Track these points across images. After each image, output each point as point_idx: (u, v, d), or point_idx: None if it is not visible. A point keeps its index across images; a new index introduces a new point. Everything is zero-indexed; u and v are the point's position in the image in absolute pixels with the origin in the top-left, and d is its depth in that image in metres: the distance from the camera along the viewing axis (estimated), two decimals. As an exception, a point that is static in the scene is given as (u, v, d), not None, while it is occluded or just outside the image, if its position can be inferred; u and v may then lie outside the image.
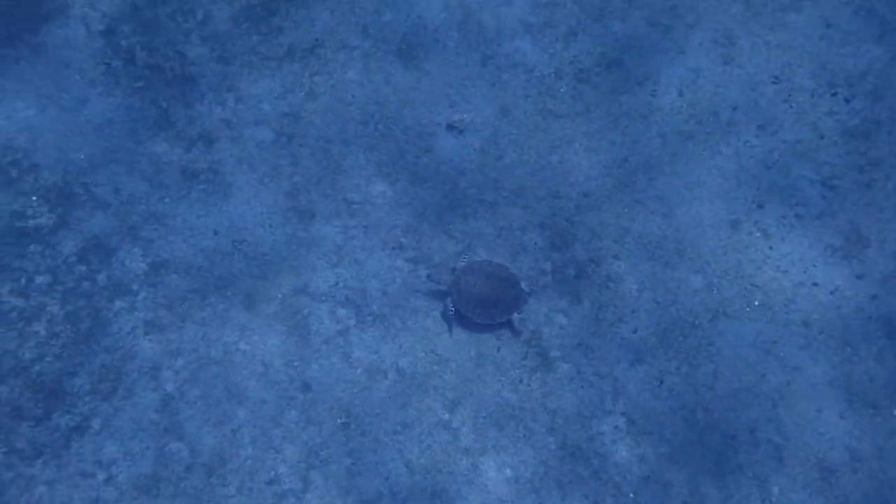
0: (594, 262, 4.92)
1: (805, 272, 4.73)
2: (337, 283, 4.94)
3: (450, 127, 5.10)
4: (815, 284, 4.70)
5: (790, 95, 4.92)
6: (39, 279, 4.69)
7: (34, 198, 4.77)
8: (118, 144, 4.93)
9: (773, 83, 4.93)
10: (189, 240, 4.92)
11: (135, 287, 4.81)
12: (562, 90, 5.07)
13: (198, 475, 4.52)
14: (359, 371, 4.82)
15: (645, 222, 4.93)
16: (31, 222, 4.74)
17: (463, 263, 4.90)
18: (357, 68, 5.14)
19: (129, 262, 4.82)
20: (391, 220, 5.03)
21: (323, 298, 4.92)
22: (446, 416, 4.75)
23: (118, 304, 4.76)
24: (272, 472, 4.59)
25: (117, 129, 4.93)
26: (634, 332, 4.80)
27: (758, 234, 4.80)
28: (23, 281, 4.65)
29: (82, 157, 4.86)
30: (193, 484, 4.51)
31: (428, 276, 4.91)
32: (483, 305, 4.79)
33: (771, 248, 4.79)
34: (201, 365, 4.74)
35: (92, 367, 4.63)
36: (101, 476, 4.45)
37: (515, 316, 4.90)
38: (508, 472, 4.65)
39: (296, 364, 4.80)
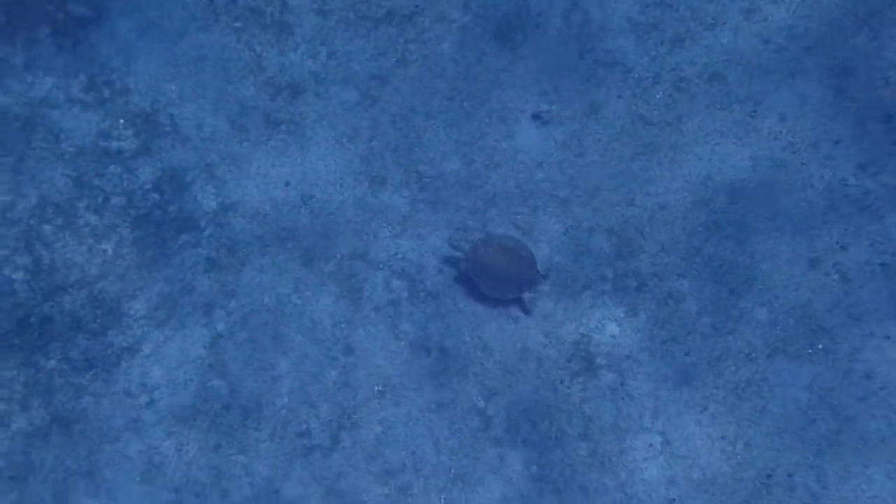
0: (658, 276, 4.79)
1: (879, 323, 4.51)
2: (396, 254, 4.94)
3: (535, 116, 4.99)
4: (888, 338, 4.48)
5: (898, 138, 4.65)
6: (115, 200, 4.83)
7: (121, 120, 4.89)
8: (208, 81, 5.00)
9: (885, 122, 4.65)
10: (260, 186, 4.99)
11: (202, 224, 4.91)
12: (657, 96, 4.90)
13: (234, 415, 4.64)
14: (403, 344, 4.84)
15: (718, 245, 4.75)
16: (114, 144, 4.87)
17: (483, 235, 4.87)
18: (452, 42, 5.07)
19: (201, 199, 4.92)
20: (460, 199, 4.98)
21: (380, 266, 4.93)
22: (482, 403, 4.73)
23: (184, 237, 4.87)
24: (304, 426, 4.67)
25: (209, 67, 5.00)
26: (687, 354, 4.67)
27: (836, 277, 4.58)
28: (100, 199, 4.79)
29: (173, 88, 4.95)
30: (228, 422, 4.63)
31: (448, 241, 4.86)
32: (495, 278, 4.73)
33: (846, 293, 4.57)
34: (253, 310, 4.83)
35: (150, 294, 4.77)
36: (143, 399, 4.61)
37: (527, 295, 4.82)
38: (534, 468, 4.62)
39: (343, 326, 4.84)
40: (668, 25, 4.93)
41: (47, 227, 4.66)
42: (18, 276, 4.55)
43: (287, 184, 5.00)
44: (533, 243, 4.91)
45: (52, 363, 4.48)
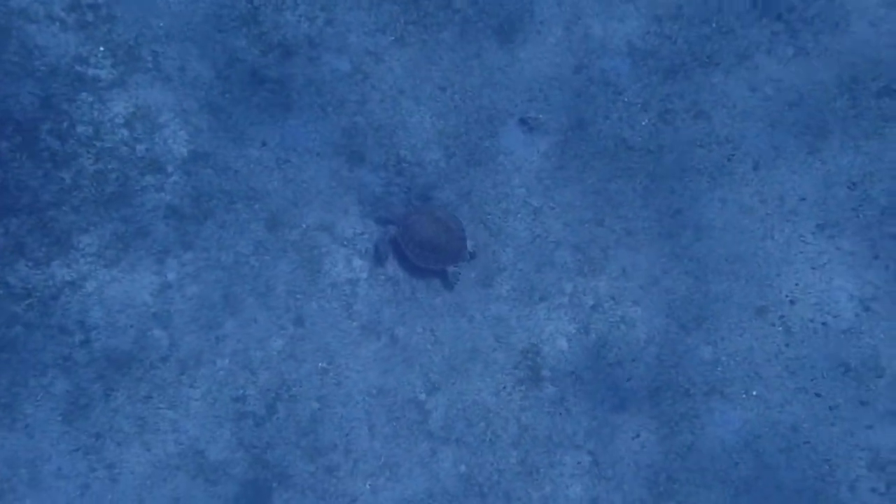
0: (613, 298, 4.87)
1: (812, 381, 4.69)
2: (363, 233, 4.89)
3: (522, 121, 5.00)
4: (819, 395, 4.66)
5: (860, 205, 4.83)
6: (81, 129, 4.63)
7: (101, 48, 4.69)
8: (199, 25, 4.83)
9: (849, 188, 4.83)
10: (236, 140, 4.86)
11: (170, 169, 4.75)
12: (643, 123, 4.97)
13: (170, 369, 4.52)
14: (355, 325, 4.79)
15: (676, 279, 4.86)
16: (90, 71, 4.66)
17: (418, 203, 4.93)
18: (453, 31, 5.03)
19: (172, 143, 4.76)
20: (435, 190, 4.96)
21: (344, 243, 4.88)
22: (423, 396, 4.74)
23: (148, 179, 4.71)
24: (241, 391, 4.59)
25: (203, 9, 4.83)
26: (628, 380, 4.76)
27: (780, 328, 4.74)
28: (65, 125, 4.59)
29: (161, 24, 4.76)
30: (163, 375, 4.51)
31: (384, 205, 4.92)
32: (423, 248, 4.78)
33: (787, 345, 4.74)
34: (208, 265, 4.71)
35: (103, 232, 4.60)
36: (78, 337, 4.44)
37: (451, 268, 4.88)
38: (463, 468, 4.66)
39: (298, 296, 4.77)
40: (665, 56, 5.00)
41: (4, 144, 4.43)
42: (-34, 189, 4.33)
43: (264, 144, 4.88)
44: (500, 246, 4.94)
45: (-13, 285, 4.29)
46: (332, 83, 4.99)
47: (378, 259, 4.88)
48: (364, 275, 4.86)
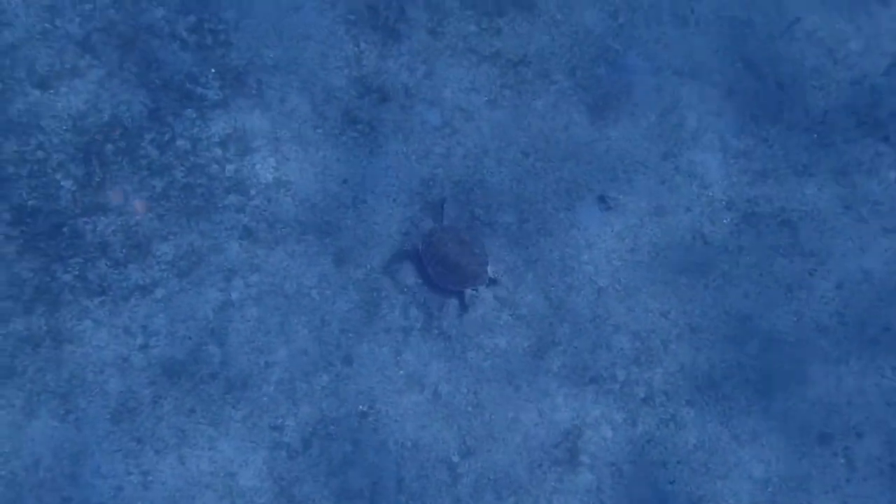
0: (667, 395, 4.71)
1: (868, 521, 4.39)
2: (424, 284, 4.92)
3: (601, 198, 4.97)
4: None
5: (947, 345, 4.55)
6: (180, 142, 4.87)
7: (213, 70, 4.95)
8: (305, 60, 5.04)
9: (937, 326, 4.56)
10: (319, 175, 5.01)
11: (252, 192, 4.93)
12: (724, 221, 4.85)
13: (217, 386, 4.63)
14: (401, 373, 4.80)
15: (736, 387, 4.67)
16: (199, 90, 4.92)
17: (446, 222, 4.91)
18: (546, 101, 5.07)
19: (260, 168, 4.95)
20: (503, 252, 4.96)
21: (405, 290, 4.92)
22: (456, 458, 4.67)
23: (232, 198, 4.90)
24: (280, 420, 4.65)
25: (312, 47, 5.04)
26: (671, 482, 4.58)
27: (842, 461, 4.47)
28: (167, 137, 4.84)
29: (271, 56, 5.00)
30: (210, 391, 4.62)
31: (413, 218, 4.92)
32: (443, 265, 4.76)
33: (848, 480, 4.45)
34: (271, 291, 4.83)
35: (181, 242, 4.79)
36: (139, 340, 4.61)
37: (469, 291, 4.84)
38: (484, 540, 4.55)
39: (350, 335, 4.82)
40: (758, 157, 4.89)
41: (109, 147, 4.71)
42: (67, 183, 4.60)
43: (345, 181, 5.01)
44: (557, 319, 4.87)
45: (68, 277, 4.51)
46: (421, 133, 5.10)
47: (395, 263, 4.88)
48: (418, 325, 4.88)
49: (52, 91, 4.63)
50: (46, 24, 4.61)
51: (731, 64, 4.91)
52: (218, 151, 4.94)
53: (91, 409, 4.41)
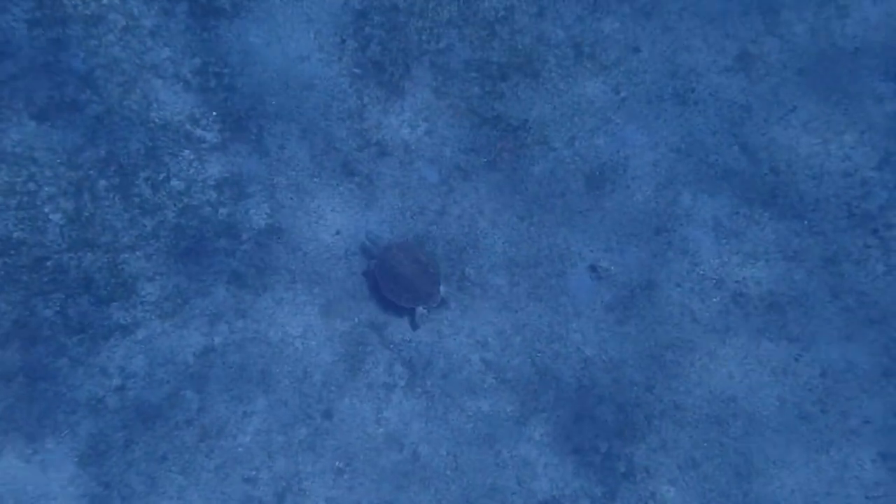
0: (648, 472, 4.67)
1: None
2: (410, 341, 4.87)
3: (592, 268, 4.98)
4: None
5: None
6: (175, 182, 4.83)
7: (214, 113, 4.94)
8: (307, 110, 5.06)
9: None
10: (312, 224, 4.98)
11: (244, 237, 4.89)
12: (714, 300, 4.88)
13: (192, 433, 4.51)
14: (381, 431, 4.72)
15: (717, 468, 4.64)
16: (198, 132, 4.91)
17: (401, 239, 4.98)
18: (544, 167, 5.11)
19: (253, 214, 4.91)
20: (491, 315, 4.94)
21: (391, 346, 4.86)
22: (431, 523, 4.58)
23: (222, 242, 4.85)
24: (254, 472, 4.53)
25: (315, 97, 5.06)
26: (647, 562, 4.51)
27: (819, 551, 4.45)
28: (161, 176, 4.80)
29: (274, 103, 5.01)
30: (184, 438, 4.50)
31: (367, 235, 4.94)
32: (396, 282, 4.81)
33: (822, 568, 4.42)
34: (255, 338, 4.76)
35: (167, 284, 4.72)
36: (116, 381, 4.50)
37: (420, 309, 4.90)
38: None
39: (332, 389, 4.75)
40: (749, 239, 4.94)
41: (102, 183, 4.66)
42: (56, 217, 4.52)
43: (337, 232, 4.99)
44: (542, 386, 4.83)
45: (48, 313, 4.41)
46: (418, 189, 5.11)
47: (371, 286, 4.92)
48: (402, 382, 4.81)
49: (49, 123, 4.59)
50: (50, 57, 4.59)
51: (727, 146, 5.00)
52: (212, 194, 4.91)
53: (59, 450, 4.28)
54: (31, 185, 4.51)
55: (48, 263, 4.48)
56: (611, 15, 5.08)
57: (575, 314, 4.96)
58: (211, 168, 4.91)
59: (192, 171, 4.87)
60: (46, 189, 4.55)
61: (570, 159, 5.14)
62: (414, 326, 4.90)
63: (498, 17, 5.14)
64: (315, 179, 5.04)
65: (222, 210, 4.89)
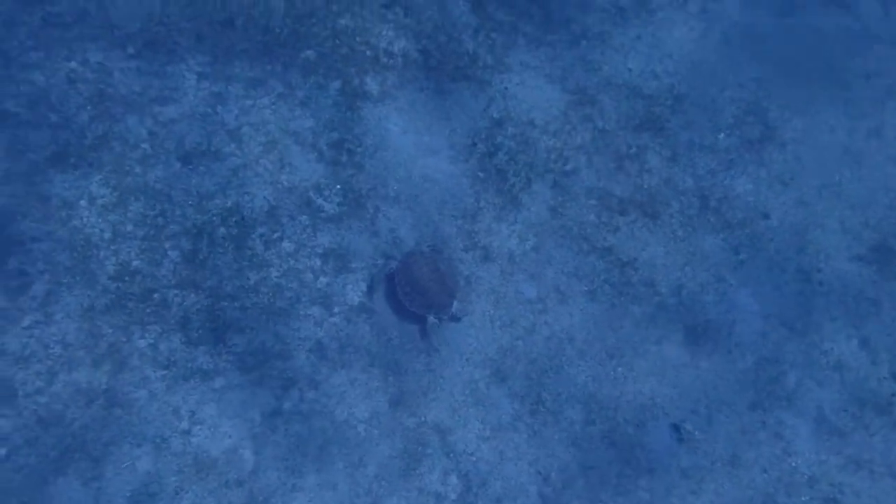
0: None
1: None
2: (472, 454, 4.75)
3: (675, 427, 4.74)
4: None
5: None
6: (286, 244, 5.02)
7: (338, 186, 5.14)
8: (424, 201, 5.18)
9: None
10: (401, 312, 5.02)
11: (336, 310, 4.98)
12: (803, 499, 4.48)
13: (239, 495, 4.51)
14: (421, 542, 4.57)
15: None
16: (319, 201, 5.11)
17: (428, 247, 5.02)
18: (645, 309, 4.97)
19: (350, 289, 4.98)
20: (557, 446, 4.75)
21: (450, 454, 4.75)
22: None
23: (314, 310, 4.95)
24: (287, 552, 4.47)
25: (434, 190, 5.18)
26: None
27: None
28: (276, 236, 5.00)
29: (395, 188, 5.15)
30: (230, 498, 4.50)
31: (387, 259, 5.01)
32: (412, 286, 4.78)
33: None
34: (322, 412, 4.77)
35: (253, 338, 4.83)
36: (184, 425, 4.56)
37: (431, 318, 4.84)
38: None
39: (383, 483, 4.66)
40: (854, 442, 4.58)
41: (222, 231, 4.90)
42: (174, 254, 4.78)
43: (426, 324, 5.00)
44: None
45: (142, 343, 4.60)
46: (512, 302, 5.07)
47: (369, 290, 4.96)
48: (454, 496, 4.66)
49: (191, 167, 4.91)
50: (208, 109, 4.94)
51: (846, 337, 4.72)
52: (317, 262, 5.05)
53: (115, 481, 4.36)
54: (161, 220, 4.80)
55: (155, 296, 4.71)
56: (746, 176, 4.98)
57: (647, 471, 4.69)
58: (322, 237, 5.08)
59: (304, 236, 5.05)
60: (172, 226, 4.82)
61: (673, 308, 4.98)
62: (423, 335, 4.89)
63: (629, 153, 5.15)
64: (416, 270, 5.12)
65: (322, 279, 5.01)
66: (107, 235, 4.69)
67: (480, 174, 5.21)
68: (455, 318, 4.95)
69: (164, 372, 4.63)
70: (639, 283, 5.03)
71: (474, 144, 5.22)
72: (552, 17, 5.18)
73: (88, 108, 4.71)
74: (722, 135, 5.01)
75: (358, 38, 5.10)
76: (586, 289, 5.06)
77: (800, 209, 4.94)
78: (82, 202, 4.71)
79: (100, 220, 4.71)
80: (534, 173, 5.19)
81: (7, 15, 4.39)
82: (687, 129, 5.10)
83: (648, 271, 5.03)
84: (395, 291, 4.94)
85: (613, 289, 5.04)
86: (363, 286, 5.03)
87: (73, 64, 4.63)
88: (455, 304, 4.90)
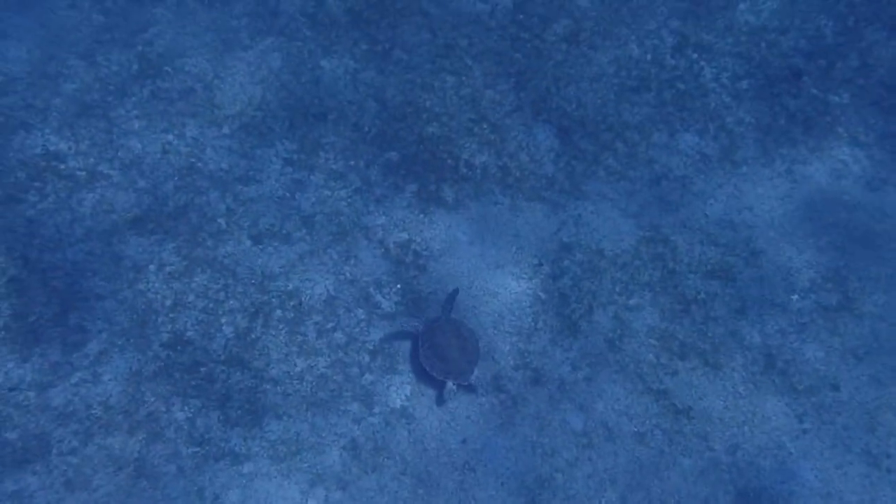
0: None
1: None
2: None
3: None
4: None
5: None
6: (338, 334, 5.00)
7: (399, 285, 5.15)
8: (482, 313, 5.13)
9: None
10: (444, 423, 4.86)
11: (376, 410, 4.88)
12: None
13: None
14: None
15: None
16: (377, 297, 5.11)
17: (452, 313, 5.04)
18: (696, 463, 4.71)
19: (394, 392, 4.90)
20: None
21: (470, 587, 4.49)
22: None
23: (355, 406, 4.86)
24: None
25: (494, 304, 5.14)
26: None
27: None
28: (330, 325, 5.00)
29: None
30: None
31: (402, 323, 5.05)
32: (434, 350, 4.80)
33: None
34: (345, 518, 4.61)
35: (289, 427, 4.72)
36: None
37: (450, 384, 4.81)
38: None
39: None
40: None
41: (278, 313, 4.92)
42: (228, 330, 4.80)
43: (464, 441, 4.83)
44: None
45: (180, 416, 4.57)
46: (558, 431, 4.89)
47: (391, 335, 5.02)
48: None
49: (260, 247, 5.00)
50: (287, 193, 5.07)
51: (914, 538, 4.37)
52: (366, 358, 5.00)
53: (126, 558, 4.26)
54: (221, 295, 4.86)
55: (202, 369, 4.71)
56: (818, 343, 4.80)
57: None
58: (374, 333, 5.05)
59: (357, 329, 5.03)
60: (231, 302, 4.87)
61: (726, 467, 4.72)
62: (440, 402, 4.83)
63: (697, 298, 5.04)
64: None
65: (368, 376, 4.95)
66: (168, 302, 4.75)
67: (542, 295, 5.15)
68: (472, 389, 4.93)
69: (197, 449, 4.56)
70: (692, 435, 4.80)
71: (540, 264, 5.20)
72: (636, 154, 5.22)
73: (175, 178, 4.88)
74: (796, 296, 4.86)
75: (442, 147, 5.22)
76: (636, 430, 4.85)
77: (872, 387, 4.70)
78: (151, 266, 4.81)
79: (164, 287, 4.79)
80: (596, 302, 5.11)
81: (121, 85, 4.66)
82: (759, 283, 4.97)
83: (703, 423, 4.81)
84: (418, 354, 4.97)
85: (665, 435, 4.82)
86: (407, 389, 4.94)
87: (170, 136, 4.84)
88: (475, 371, 4.91)
